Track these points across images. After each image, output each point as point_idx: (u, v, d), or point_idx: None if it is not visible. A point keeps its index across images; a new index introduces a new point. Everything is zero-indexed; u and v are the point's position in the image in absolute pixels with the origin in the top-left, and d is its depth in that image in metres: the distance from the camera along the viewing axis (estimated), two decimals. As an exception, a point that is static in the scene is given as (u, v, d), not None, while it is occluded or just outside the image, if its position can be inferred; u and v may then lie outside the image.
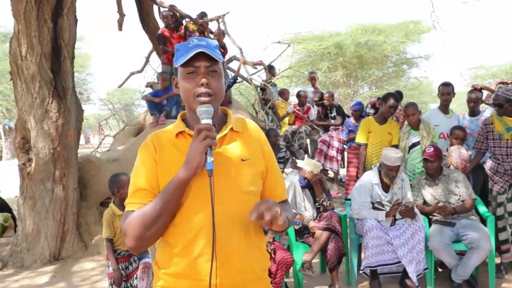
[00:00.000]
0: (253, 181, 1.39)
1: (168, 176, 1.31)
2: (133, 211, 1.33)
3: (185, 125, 1.42)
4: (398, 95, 4.80)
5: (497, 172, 4.05)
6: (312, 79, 8.57)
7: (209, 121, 1.30)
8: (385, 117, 4.74)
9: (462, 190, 3.87)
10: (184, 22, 7.52)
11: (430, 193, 3.97)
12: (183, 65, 1.37)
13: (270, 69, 8.20)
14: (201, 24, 7.39)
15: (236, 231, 1.34)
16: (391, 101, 4.61)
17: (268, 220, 1.26)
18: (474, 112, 4.79)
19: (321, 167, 4.05)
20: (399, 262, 3.59)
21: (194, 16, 7.51)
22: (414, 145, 4.44)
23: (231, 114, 1.49)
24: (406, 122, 4.65)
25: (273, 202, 1.29)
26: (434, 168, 3.91)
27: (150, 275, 3.29)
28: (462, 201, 3.87)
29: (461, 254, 3.78)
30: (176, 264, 1.34)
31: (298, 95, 7.64)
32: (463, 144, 4.42)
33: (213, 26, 7.72)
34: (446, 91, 4.65)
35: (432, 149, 3.92)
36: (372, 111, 6.60)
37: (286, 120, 7.55)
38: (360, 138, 4.83)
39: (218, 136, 1.38)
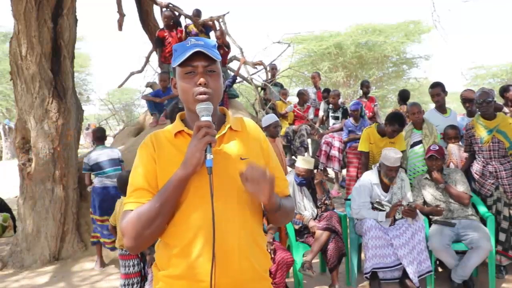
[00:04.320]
0: None
1: (167, 175, 1.30)
2: (132, 210, 1.32)
3: (184, 125, 1.42)
4: (403, 118, 4.59)
5: (483, 175, 4.06)
6: (313, 79, 8.58)
7: (209, 119, 1.30)
8: (387, 136, 4.59)
9: (460, 189, 3.87)
10: (184, 23, 7.55)
11: (430, 193, 3.97)
12: (181, 65, 1.36)
13: (272, 69, 8.22)
14: (203, 25, 7.40)
15: (237, 230, 1.32)
16: (396, 126, 4.43)
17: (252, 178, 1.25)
18: (471, 112, 4.78)
19: (314, 163, 4.06)
20: (400, 264, 3.59)
21: (192, 15, 7.52)
22: (415, 144, 4.45)
23: (229, 113, 1.49)
24: (409, 122, 4.64)
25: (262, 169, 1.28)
26: (438, 166, 3.91)
27: None
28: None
29: (462, 254, 3.79)
30: (175, 266, 1.32)
31: (299, 94, 7.63)
32: (459, 142, 4.43)
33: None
34: (435, 93, 4.63)
35: (437, 147, 3.93)
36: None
37: (286, 119, 7.55)
38: (361, 147, 4.80)
39: (217, 135, 1.38)
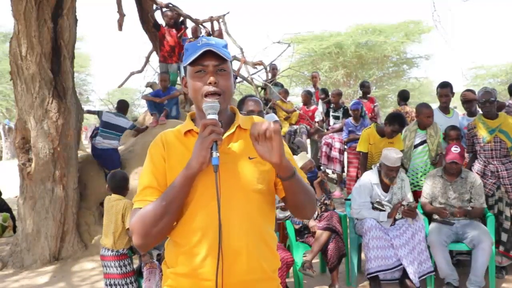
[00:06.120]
0: (261, 179, 1.38)
1: (176, 174, 1.31)
2: (140, 208, 1.33)
3: (194, 124, 1.43)
4: (403, 118, 4.58)
5: (484, 175, 4.05)
6: (314, 78, 8.59)
7: (215, 117, 1.30)
8: (387, 136, 4.58)
9: (475, 197, 3.80)
10: (185, 22, 7.58)
11: (441, 192, 3.88)
12: (191, 64, 1.37)
13: (272, 69, 8.22)
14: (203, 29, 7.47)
15: (244, 229, 1.32)
16: (396, 127, 4.42)
17: (258, 131, 1.24)
18: (472, 112, 4.78)
19: (309, 158, 4.13)
20: (400, 265, 3.59)
21: (193, 16, 7.55)
22: (417, 145, 4.43)
23: (239, 113, 1.49)
24: (413, 121, 4.62)
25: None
26: (458, 169, 3.82)
27: (157, 275, 3.26)
28: (472, 207, 3.80)
29: (459, 263, 3.79)
30: (183, 264, 1.34)
31: (305, 95, 7.67)
32: (460, 142, 4.42)
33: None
34: (445, 93, 4.62)
35: (459, 149, 3.79)
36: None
37: (288, 120, 7.56)
38: (361, 147, 4.78)
39: (226, 134, 1.38)
